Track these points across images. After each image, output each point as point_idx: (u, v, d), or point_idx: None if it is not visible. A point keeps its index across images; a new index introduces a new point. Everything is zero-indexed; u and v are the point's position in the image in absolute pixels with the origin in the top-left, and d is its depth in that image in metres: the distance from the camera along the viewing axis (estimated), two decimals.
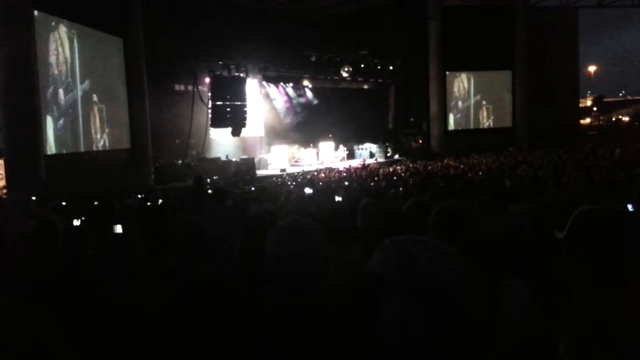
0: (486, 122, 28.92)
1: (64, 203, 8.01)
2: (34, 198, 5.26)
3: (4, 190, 12.51)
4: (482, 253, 2.17)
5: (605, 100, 64.73)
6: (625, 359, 1.26)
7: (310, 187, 7.71)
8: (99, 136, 15.42)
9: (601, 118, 56.04)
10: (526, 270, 2.42)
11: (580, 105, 41.82)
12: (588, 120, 53.90)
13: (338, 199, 6.07)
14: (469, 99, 28.61)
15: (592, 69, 57.57)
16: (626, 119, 54.82)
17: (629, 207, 4.08)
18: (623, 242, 1.35)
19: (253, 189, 12.14)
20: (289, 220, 1.62)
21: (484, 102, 28.71)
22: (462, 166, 16.40)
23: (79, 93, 14.34)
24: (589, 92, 64.28)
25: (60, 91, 13.43)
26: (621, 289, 1.32)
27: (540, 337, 1.81)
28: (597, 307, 1.32)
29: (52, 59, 13.10)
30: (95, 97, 15.15)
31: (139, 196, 11.10)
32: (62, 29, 13.55)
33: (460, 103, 28.45)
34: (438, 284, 1.58)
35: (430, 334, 1.39)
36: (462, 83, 28.47)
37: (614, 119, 55.90)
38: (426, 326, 1.39)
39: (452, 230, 2.27)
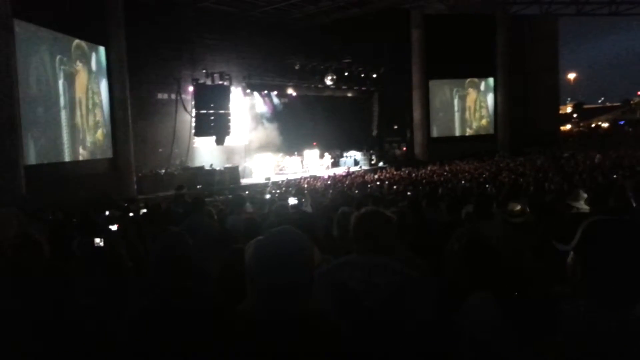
0: (469, 130, 29.26)
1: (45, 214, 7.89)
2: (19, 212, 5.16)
3: None
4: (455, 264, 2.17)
5: (585, 107, 65.79)
6: None
7: (299, 196, 7.69)
8: (81, 148, 15.22)
9: (581, 124, 56.92)
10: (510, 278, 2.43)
11: (561, 112, 42.44)
12: (568, 126, 54.72)
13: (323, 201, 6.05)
14: (452, 110, 28.92)
15: (571, 76, 58.51)
16: (605, 125, 55.73)
17: None
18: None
19: (230, 197, 11.98)
20: (277, 229, 1.61)
21: (467, 113, 29.05)
22: (445, 173, 16.53)
23: (62, 111, 14.12)
24: (568, 98, 65.30)
25: (43, 109, 13.19)
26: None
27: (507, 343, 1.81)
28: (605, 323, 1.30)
29: (35, 76, 12.89)
30: (78, 113, 14.95)
31: (124, 205, 10.96)
32: (45, 46, 13.36)
33: (443, 112, 28.75)
34: (373, 301, 1.60)
35: (386, 346, 1.41)
36: (444, 92, 28.79)
37: (593, 125, 56.79)
38: (381, 340, 1.41)
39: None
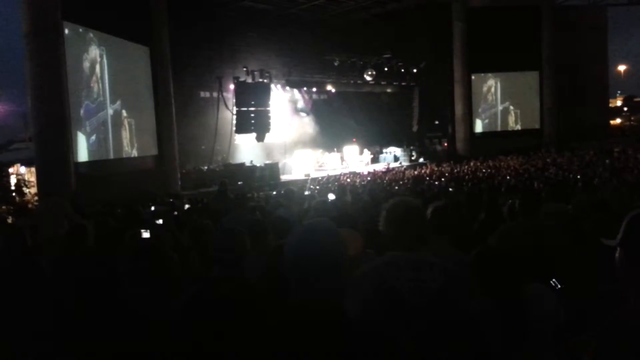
0: (514, 125, 28.47)
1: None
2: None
3: (36, 198, 12.82)
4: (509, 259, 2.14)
5: (637, 100, 62.98)
6: None
7: (339, 192, 7.67)
8: (129, 149, 15.74)
9: (632, 118, 54.56)
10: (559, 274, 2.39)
11: (611, 105, 40.77)
12: (619, 120, 52.51)
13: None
14: (496, 104, 28.20)
15: (622, 68, 56.10)
16: None
17: None
18: None
19: (274, 193, 12.13)
20: (311, 221, 1.61)
21: (512, 107, 28.27)
22: (489, 170, 16.16)
23: (110, 110, 14.64)
24: (619, 91, 62.58)
25: (92, 108, 13.71)
26: None
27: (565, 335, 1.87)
28: None
29: (84, 76, 13.39)
30: (125, 112, 15.46)
31: (169, 201, 11.24)
32: (93, 47, 13.86)
33: (487, 108, 28.09)
34: (421, 300, 1.56)
35: (434, 345, 1.39)
36: (489, 88, 28.11)
37: None
38: (428, 340, 1.39)
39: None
